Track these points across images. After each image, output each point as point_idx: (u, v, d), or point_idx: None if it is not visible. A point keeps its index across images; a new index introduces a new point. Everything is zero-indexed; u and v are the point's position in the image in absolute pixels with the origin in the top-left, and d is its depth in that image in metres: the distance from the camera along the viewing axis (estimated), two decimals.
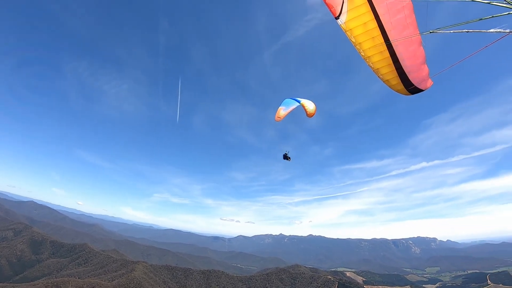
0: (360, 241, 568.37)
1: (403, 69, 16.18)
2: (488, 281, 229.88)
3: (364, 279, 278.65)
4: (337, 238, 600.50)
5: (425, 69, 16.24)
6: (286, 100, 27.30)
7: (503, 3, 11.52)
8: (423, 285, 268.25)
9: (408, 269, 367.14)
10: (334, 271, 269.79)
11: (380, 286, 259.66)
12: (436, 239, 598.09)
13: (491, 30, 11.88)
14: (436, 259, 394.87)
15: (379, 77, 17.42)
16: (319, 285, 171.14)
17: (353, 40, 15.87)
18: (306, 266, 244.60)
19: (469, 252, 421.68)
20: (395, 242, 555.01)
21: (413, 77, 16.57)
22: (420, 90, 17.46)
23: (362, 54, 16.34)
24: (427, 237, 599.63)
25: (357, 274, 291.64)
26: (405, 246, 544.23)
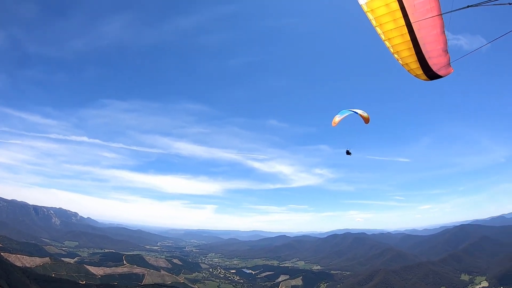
0: None
1: (423, 53, 15.75)
2: (124, 261, 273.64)
3: (1, 245, 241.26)
4: None
5: (446, 56, 15.62)
6: (343, 110, 32.49)
7: None
8: (62, 258, 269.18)
9: (47, 240, 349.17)
10: None
11: (18, 255, 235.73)
12: (78, 214, 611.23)
13: None
14: (76, 234, 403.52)
15: (397, 60, 16.87)
16: None
17: (374, 22, 15.45)
18: None
19: (107, 232, 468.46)
20: (36, 208, 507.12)
21: (433, 63, 16.14)
22: (439, 76, 17.01)
23: (382, 36, 15.99)
24: (69, 211, 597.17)
25: None
26: (45, 215, 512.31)
